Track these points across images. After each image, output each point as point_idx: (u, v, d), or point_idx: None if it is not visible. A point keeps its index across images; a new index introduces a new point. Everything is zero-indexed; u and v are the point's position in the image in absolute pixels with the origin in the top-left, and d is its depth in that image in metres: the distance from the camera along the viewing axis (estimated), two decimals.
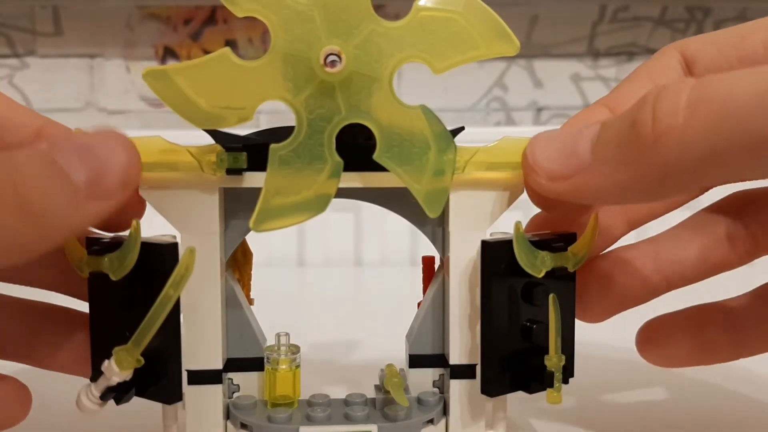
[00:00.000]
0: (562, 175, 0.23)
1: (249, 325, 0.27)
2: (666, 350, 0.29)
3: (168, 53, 0.77)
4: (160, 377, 0.24)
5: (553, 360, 0.25)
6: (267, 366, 0.26)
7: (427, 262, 0.28)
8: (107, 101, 0.78)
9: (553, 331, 0.25)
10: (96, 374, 0.24)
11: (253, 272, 0.29)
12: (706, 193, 0.30)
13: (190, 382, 0.25)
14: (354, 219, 0.73)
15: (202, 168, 0.24)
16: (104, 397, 0.24)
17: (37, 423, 0.25)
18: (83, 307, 0.26)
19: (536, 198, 0.25)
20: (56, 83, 0.77)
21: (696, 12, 0.79)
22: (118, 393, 0.24)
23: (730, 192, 0.29)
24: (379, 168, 0.24)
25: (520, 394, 0.26)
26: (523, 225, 0.25)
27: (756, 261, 0.28)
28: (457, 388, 0.26)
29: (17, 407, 0.24)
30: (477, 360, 0.26)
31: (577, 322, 0.27)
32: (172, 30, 0.77)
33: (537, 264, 0.25)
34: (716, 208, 0.29)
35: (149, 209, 0.25)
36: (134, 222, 0.23)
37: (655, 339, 0.29)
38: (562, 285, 0.25)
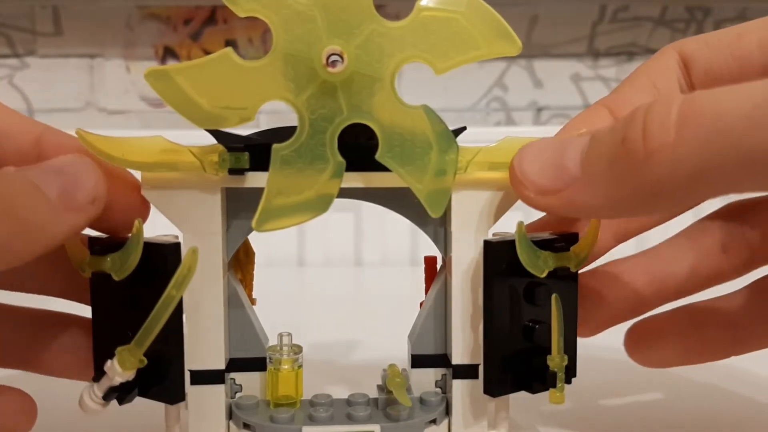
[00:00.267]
0: (551, 189, 0.22)
1: (251, 325, 0.27)
2: (655, 351, 0.29)
3: (168, 53, 0.77)
4: (162, 377, 0.24)
5: (556, 360, 0.25)
6: (269, 366, 0.26)
7: (429, 262, 0.28)
8: (107, 101, 0.78)
9: (556, 331, 0.25)
10: (99, 374, 0.24)
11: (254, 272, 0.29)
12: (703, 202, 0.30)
13: (192, 382, 0.25)
14: (354, 219, 0.73)
15: (204, 168, 0.24)
16: (107, 397, 0.24)
17: (40, 423, 0.25)
18: (84, 311, 0.26)
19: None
20: (56, 83, 0.77)
21: (696, 12, 0.79)
22: (121, 393, 0.24)
23: (726, 202, 0.29)
24: (381, 168, 0.24)
25: (522, 394, 0.26)
26: (525, 225, 0.25)
27: None
28: (459, 388, 0.26)
29: (22, 419, 0.25)
30: (479, 360, 0.26)
31: None
32: (172, 30, 0.77)
33: (539, 264, 0.25)
34: (711, 218, 0.29)
35: (152, 209, 0.25)
36: (137, 222, 0.23)
37: (643, 340, 0.29)
38: (564, 285, 0.25)
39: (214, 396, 0.25)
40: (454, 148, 0.24)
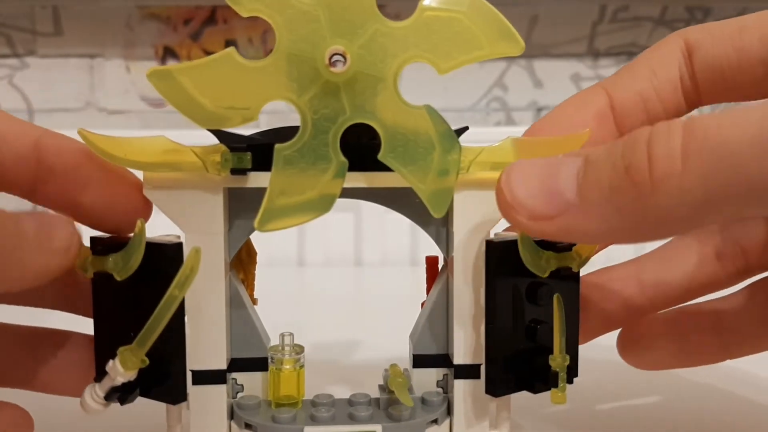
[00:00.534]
0: (545, 214, 0.21)
1: (253, 325, 0.27)
2: (645, 354, 0.29)
3: (168, 53, 0.77)
4: (164, 377, 0.24)
5: (558, 360, 0.25)
6: (271, 366, 0.26)
7: (431, 262, 0.28)
8: (107, 101, 0.78)
9: (558, 331, 0.25)
10: (100, 374, 0.24)
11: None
12: None
13: (194, 382, 0.25)
14: (354, 219, 0.73)
15: (206, 168, 0.24)
16: (108, 397, 0.24)
17: (41, 423, 0.25)
18: (80, 325, 0.26)
19: None
20: (56, 83, 0.77)
21: (696, 12, 0.79)
22: (123, 393, 0.24)
23: None
24: (384, 168, 0.24)
25: (524, 394, 0.26)
26: None
27: None
28: (461, 388, 0.26)
29: None
30: (481, 360, 0.26)
31: None
32: (172, 30, 0.77)
33: (541, 264, 0.25)
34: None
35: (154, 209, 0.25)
36: (139, 222, 0.23)
37: (634, 343, 0.29)
38: (566, 285, 0.25)
39: (216, 396, 0.25)
40: (456, 148, 0.24)
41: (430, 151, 0.24)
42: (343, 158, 0.23)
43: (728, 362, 0.29)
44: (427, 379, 0.27)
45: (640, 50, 0.80)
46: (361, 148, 0.24)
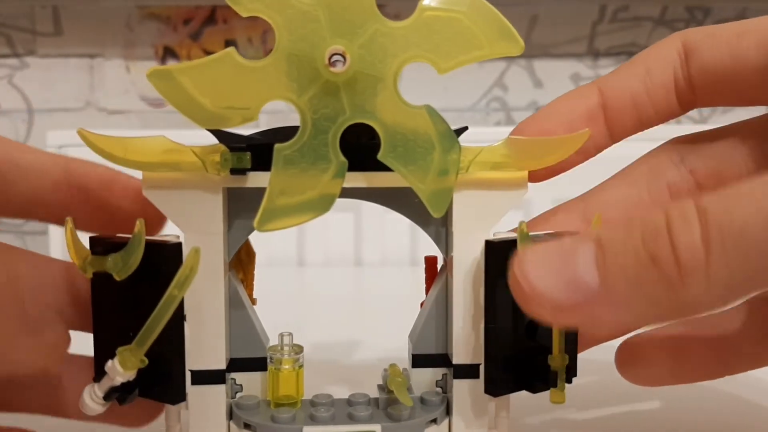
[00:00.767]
0: (568, 306, 0.20)
1: (252, 325, 0.27)
2: (643, 371, 0.29)
3: (168, 53, 0.77)
4: (163, 377, 0.24)
5: (557, 359, 0.25)
6: (270, 366, 0.26)
7: (430, 261, 0.28)
8: (107, 101, 0.78)
9: (557, 331, 0.25)
10: (99, 374, 0.24)
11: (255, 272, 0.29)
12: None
13: (193, 382, 0.25)
14: (354, 219, 0.73)
15: (205, 168, 0.24)
16: (108, 397, 0.24)
17: (41, 423, 0.25)
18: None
19: None
20: (56, 83, 0.77)
21: (696, 12, 0.79)
22: (122, 393, 0.24)
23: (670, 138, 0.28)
24: (383, 168, 0.24)
25: (523, 394, 0.26)
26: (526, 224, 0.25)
27: None
28: (460, 387, 0.26)
29: None
30: (480, 360, 0.26)
31: None
32: (172, 30, 0.77)
33: None
34: (656, 157, 0.28)
35: None
36: (138, 222, 0.23)
37: (632, 360, 0.29)
38: None
39: (215, 396, 0.25)
40: (456, 148, 0.24)
41: (429, 151, 0.24)
42: (342, 158, 0.23)
43: None
44: (427, 378, 0.27)
45: (640, 50, 0.80)
46: (361, 148, 0.24)
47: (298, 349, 0.26)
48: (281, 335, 0.26)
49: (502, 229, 0.26)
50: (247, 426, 0.25)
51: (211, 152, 0.24)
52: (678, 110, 0.28)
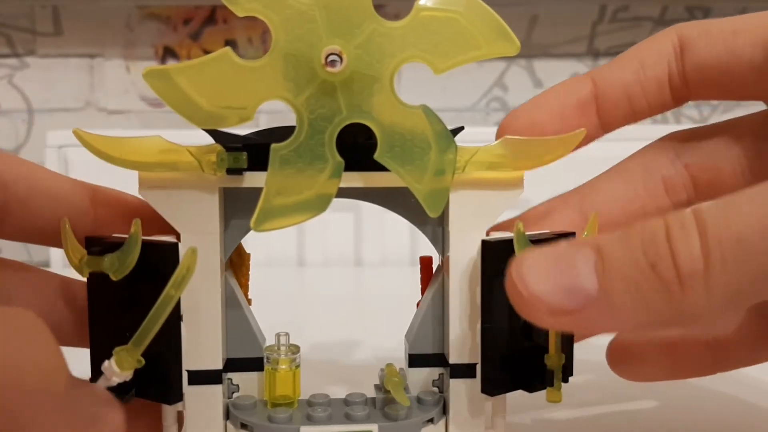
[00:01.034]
0: (566, 310, 0.20)
1: (249, 325, 0.27)
2: (636, 367, 0.29)
3: (168, 53, 0.77)
4: (160, 377, 0.24)
5: (554, 359, 0.25)
6: (267, 366, 0.26)
7: (425, 262, 0.28)
8: (107, 101, 0.78)
9: (553, 330, 0.25)
10: (96, 375, 0.24)
11: (252, 272, 0.29)
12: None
13: (190, 383, 0.25)
14: (354, 219, 0.73)
15: (202, 168, 0.24)
16: None
17: None
18: None
19: None
20: (56, 83, 0.77)
21: (696, 12, 0.79)
22: (119, 393, 0.24)
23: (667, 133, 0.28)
24: (380, 168, 0.24)
25: (519, 394, 0.26)
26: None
27: None
28: (456, 387, 0.26)
29: None
30: (477, 359, 0.26)
31: None
32: (172, 30, 0.77)
33: None
34: (651, 151, 0.28)
35: None
36: (135, 221, 0.23)
37: (624, 356, 0.29)
38: None
39: (212, 396, 0.25)
40: (453, 148, 0.24)
41: (426, 150, 0.24)
42: (339, 158, 0.23)
43: None
44: (423, 378, 0.27)
45: None
46: (358, 147, 0.24)
47: (295, 349, 0.26)
48: (278, 335, 0.26)
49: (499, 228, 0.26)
50: (243, 426, 0.25)
51: (207, 152, 0.24)
52: (671, 103, 0.28)
